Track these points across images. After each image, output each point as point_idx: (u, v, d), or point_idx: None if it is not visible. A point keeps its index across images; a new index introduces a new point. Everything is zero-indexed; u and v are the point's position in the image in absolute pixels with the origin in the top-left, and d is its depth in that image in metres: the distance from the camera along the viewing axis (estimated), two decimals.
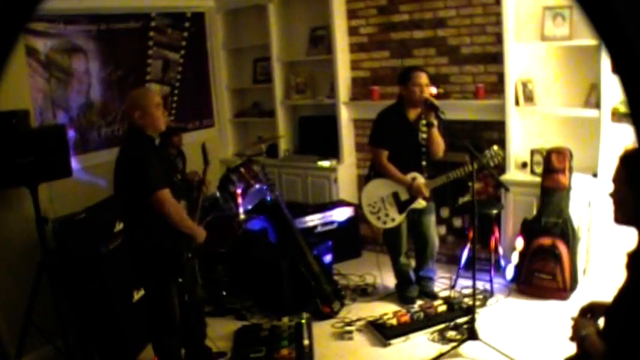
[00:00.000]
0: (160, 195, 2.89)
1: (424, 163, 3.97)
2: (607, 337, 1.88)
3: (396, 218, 4.03)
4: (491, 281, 4.19)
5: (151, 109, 2.97)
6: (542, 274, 4.04)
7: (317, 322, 3.95)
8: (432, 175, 4.01)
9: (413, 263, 4.32)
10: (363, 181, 5.42)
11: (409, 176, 3.95)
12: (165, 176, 3.00)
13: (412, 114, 3.95)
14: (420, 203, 3.99)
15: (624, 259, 1.84)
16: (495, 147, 3.80)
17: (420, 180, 3.94)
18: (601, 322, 2.01)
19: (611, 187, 1.90)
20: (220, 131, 6.01)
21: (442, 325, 3.73)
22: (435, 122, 3.83)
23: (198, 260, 3.40)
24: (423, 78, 3.85)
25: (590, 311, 2.08)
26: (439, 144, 3.90)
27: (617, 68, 0.68)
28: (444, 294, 4.26)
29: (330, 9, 5.14)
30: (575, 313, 2.12)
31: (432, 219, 4.16)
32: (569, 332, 2.08)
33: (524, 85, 4.35)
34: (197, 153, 3.81)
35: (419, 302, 4.12)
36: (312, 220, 4.97)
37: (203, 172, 3.54)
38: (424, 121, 3.91)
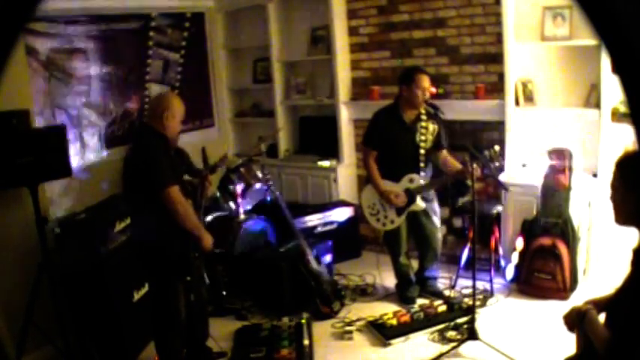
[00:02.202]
0: (170, 191, 2.94)
1: (422, 164, 3.96)
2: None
3: (395, 220, 4.03)
4: (491, 281, 4.19)
5: (178, 117, 3.12)
6: (542, 274, 4.04)
7: (317, 322, 3.95)
8: (432, 177, 4.01)
9: (414, 264, 4.33)
10: (363, 181, 5.43)
11: (406, 178, 3.95)
12: (175, 175, 3.06)
13: (409, 115, 3.94)
14: (418, 205, 3.98)
15: (629, 256, 1.85)
16: (497, 147, 3.80)
17: (416, 183, 3.93)
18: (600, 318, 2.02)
19: (610, 191, 1.92)
20: (220, 131, 6.01)
21: (442, 325, 3.73)
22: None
23: (204, 260, 3.42)
24: (427, 81, 3.86)
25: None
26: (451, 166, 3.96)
27: (617, 68, 0.68)
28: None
29: (330, 9, 5.14)
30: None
31: (434, 221, 4.14)
32: (565, 324, 2.09)
33: (524, 85, 4.34)
34: (196, 153, 3.84)
35: (419, 302, 4.13)
36: (312, 220, 4.97)
37: (205, 174, 3.62)
38: (423, 123, 3.91)
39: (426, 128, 3.93)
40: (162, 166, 2.96)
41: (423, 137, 3.93)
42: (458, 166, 3.92)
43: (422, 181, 3.94)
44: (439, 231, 4.24)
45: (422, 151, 3.94)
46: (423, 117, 3.92)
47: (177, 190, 2.98)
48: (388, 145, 3.98)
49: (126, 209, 3.37)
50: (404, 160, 3.96)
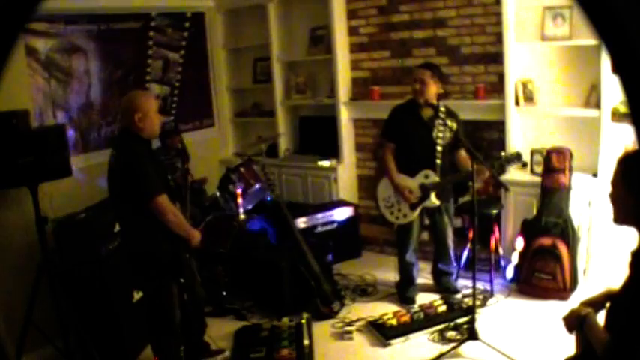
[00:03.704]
0: (158, 201, 2.88)
1: (438, 161, 3.95)
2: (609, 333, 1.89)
3: (408, 215, 4.04)
4: (491, 281, 4.19)
5: (152, 114, 2.97)
6: (542, 274, 4.04)
7: (317, 322, 3.95)
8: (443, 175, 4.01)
9: (419, 264, 4.34)
10: (363, 181, 5.44)
11: (422, 173, 3.95)
12: (162, 181, 3.00)
13: (427, 111, 3.95)
14: (432, 202, 3.99)
15: (628, 258, 1.86)
16: (514, 151, 3.79)
17: (431, 179, 3.93)
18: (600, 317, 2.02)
19: (609, 189, 1.93)
20: (220, 131, 6.01)
21: (442, 325, 3.73)
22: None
23: (196, 260, 3.42)
24: (418, 73, 3.89)
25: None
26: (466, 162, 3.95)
27: (617, 68, 0.68)
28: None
29: (330, 9, 5.14)
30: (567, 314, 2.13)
31: (445, 220, 4.16)
32: (565, 325, 2.10)
33: (524, 85, 4.34)
34: (196, 152, 3.85)
35: (419, 302, 4.13)
36: (312, 220, 4.97)
37: (184, 165, 3.68)
38: (441, 120, 3.90)
39: (444, 125, 3.90)
40: (148, 176, 2.89)
41: (440, 134, 3.93)
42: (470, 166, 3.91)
43: (437, 178, 3.94)
44: (450, 230, 4.25)
45: (438, 148, 3.94)
46: (442, 114, 3.91)
47: (166, 198, 2.92)
48: (405, 140, 4.01)
49: (114, 216, 3.33)
50: (420, 156, 3.97)
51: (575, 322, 2.02)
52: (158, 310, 3.15)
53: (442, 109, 3.92)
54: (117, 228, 3.66)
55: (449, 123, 3.87)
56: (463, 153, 4.01)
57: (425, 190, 3.96)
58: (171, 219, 2.93)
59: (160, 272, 3.07)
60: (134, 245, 3.08)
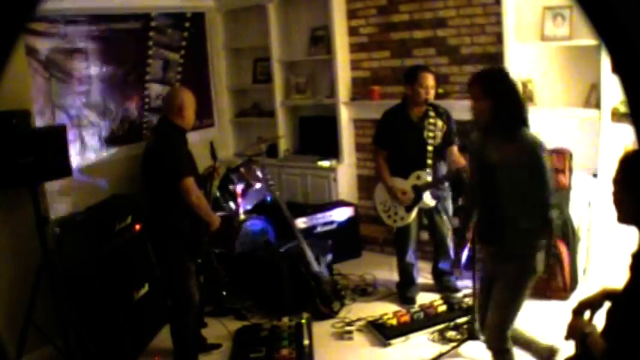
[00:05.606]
0: (185, 182, 3.16)
1: (430, 161, 3.97)
2: (608, 337, 1.89)
3: (404, 217, 4.05)
4: None
5: (190, 108, 3.37)
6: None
7: (317, 322, 3.95)
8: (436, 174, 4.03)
9: (421, 265, 4.33)
10: (363, 181, 5.44)
11: (413, 175, 3.96)
12: (192, 166, 3.31)
13: (416, 113, 3.98)
14: (426, 203, 4.00)
15: (628, 261, 1.85)
16: None
17: (423, 180, 3.94)
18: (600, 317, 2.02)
19: (612, 188, 1.93)
20: (220, 131, 6.01)
21: (442, 325, 3.73)
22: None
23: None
24: (429, 79, 3.88)
25: (583, 309, 2.09)
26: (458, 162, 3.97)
27: (617, 68, 0.68)
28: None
29: (330, 9, 5.14)
30: (570, 315, 2.12)
31: (443, 219, 4.17)
32: (565, 332, 2.09)
33: (524, 85, 4.34)
34: (198, 151, 3.87)
35: (419, 302, 4.13)
36: (312, 220, 4.97)
37: (213, 165, 3.94)
38: (431, 120, 3.91)
39: (435, 125, 3.93)
40: (179, 158, 3.22)
41: (431, 134, 3.94)
42: (462, 162, 3.92)
43: (429, 178, 3.95)
44: (448, 229, 4.25)
45: (430, 148, 3.95)
46: (431, 114, 3.92)
47: (192, 181, 3.22)
48: (396, 143, 4.02)
49: (144, 195, 3.50)
50: (412, 158, 3.98)
51: (578, 336, 2.01)
52: (176, 290, 3.34)
53: (431, 109, 3.94)
54: (117, 227, 3.67)
55: (439, 123, 3.90)
56: (455, 150, 4.02)
57: (418, 192, 3.97)
58: (194, 201, 3.21)
59: (179, 250, 3.29)
60: (159, 223, 3.32)
